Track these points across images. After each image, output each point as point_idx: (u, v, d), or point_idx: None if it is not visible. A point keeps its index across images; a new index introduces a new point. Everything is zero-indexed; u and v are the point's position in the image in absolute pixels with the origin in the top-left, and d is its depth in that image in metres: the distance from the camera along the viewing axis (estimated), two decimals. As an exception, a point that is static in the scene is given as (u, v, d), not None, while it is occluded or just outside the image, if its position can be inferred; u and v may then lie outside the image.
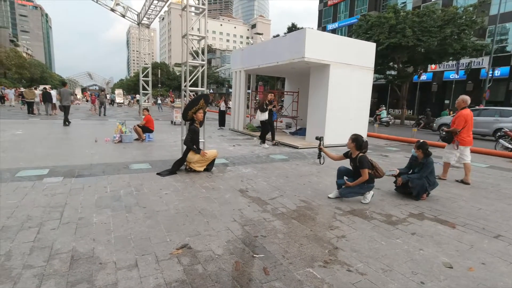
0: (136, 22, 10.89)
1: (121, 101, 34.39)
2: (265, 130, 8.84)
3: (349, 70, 9.08)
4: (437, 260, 2.64)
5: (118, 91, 36.76)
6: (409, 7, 30.55)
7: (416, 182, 4.35)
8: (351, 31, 29.91)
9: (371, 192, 4.17)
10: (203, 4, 5.62)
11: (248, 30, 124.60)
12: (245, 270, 2.36)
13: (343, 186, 4.17)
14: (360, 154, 4.09)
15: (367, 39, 21.49)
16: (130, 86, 71.97)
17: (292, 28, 47.86)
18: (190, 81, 5.63)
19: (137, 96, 33.55)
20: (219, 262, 2.46)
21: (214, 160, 5.52)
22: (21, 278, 2.13)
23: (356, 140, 4.12)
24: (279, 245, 2.81)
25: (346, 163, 4.44)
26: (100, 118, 16.26)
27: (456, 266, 2.57)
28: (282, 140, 9.59)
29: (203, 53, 5.99)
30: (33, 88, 19.35)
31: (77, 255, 2.46)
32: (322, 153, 4.54)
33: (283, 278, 2.28)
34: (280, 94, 15.25)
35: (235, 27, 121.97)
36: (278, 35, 49.62)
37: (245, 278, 2.26)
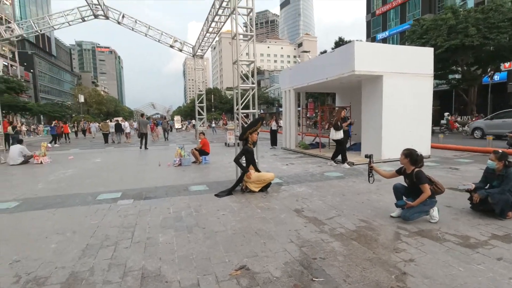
0: (191, 54, 11.92)
1: (180, 127, 37.21)
2: (342, 149, 8.14)
3: (404, 79, 8.55)
4: (534, 292, 2.24)
5: (177, 118, 39.94)
6: (470, 4, 27.91)
7: (498, 197, 3.79)
8: (404, 38, 28.33)
9: (436, 209, 3.76)
10: (251, 31, 5.94)
11: (294, 49, 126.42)
12: (305, 294, 2.30)
13: (404, 207, 3.82)
14: (416, 169, 3.78)
15: (423, 44, 20.11)
16: (187, 112, 77.60)
17: (339, 43, 47.12)
18: (242, 103, 5.89)
19: (193, 121, 36.01)
20: (278, 284, 2.44)
21: (270, 182, 5.58)
22: (102, 292, 2.39)
23: (410, 154, 3.82)
24: (339, 268, 2.68)
25: (399, 180, 4.10)
26: (164, 143, 17.80)
27: (561, 300, 2.14)
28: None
29: (252, 76, 6.27)
30: (107, 121, 22.41)
31: (146, 273, 2.67)
32: (373, 171, 4.27)
33: (346, 304, 2.16)
34: (331, 109, 14.96)
35: (281, 48, 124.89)
36: (325, 51, 49.28)
37: (305, 303, 2.19)
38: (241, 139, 5.59)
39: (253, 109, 6.07)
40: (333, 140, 8.29)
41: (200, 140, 9.60)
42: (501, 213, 3.78)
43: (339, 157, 8.27)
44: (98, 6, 9.35)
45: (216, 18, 8.48)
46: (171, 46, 11.55)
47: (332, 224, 3.77)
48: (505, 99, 24.90)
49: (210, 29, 9.43)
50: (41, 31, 9.85)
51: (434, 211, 3.77)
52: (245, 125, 5.79)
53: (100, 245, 3.29)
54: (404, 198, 3.93)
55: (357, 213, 4.18)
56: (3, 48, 49.65)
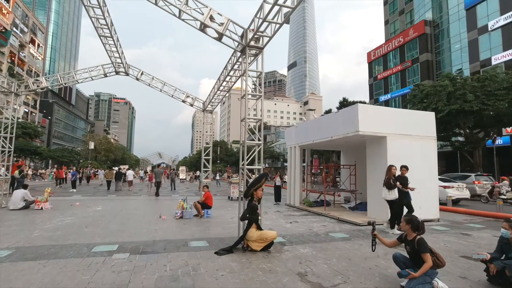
0: (202, 109, 12.51)
1: (184, 177, 37.22)
2: (398, 211, 7.06)
3: (408, 141, 8.71)
4: None
5: (182, 168, 40.14)
6: (466, 73, 29.68)
7: None
8: (405, 101, 29.60)
9: (438, 280, 3.52)
10: (260, 91, 6.32)
11: (300, 106, 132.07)
12: None
13: (406, 278, 3.59)
14: (418, 236, 3.65)
15: (424, 108, 20.93)
16: (192, 163, 78.41)
17: (344, 102, 49.38)
18: (248, 159, 5.98)
19: (198, 172, 36.16)
20: None
21: (272, 241, 5.37)
22: None
23: (411, 221, 3.74)
24: None
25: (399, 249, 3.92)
26: (170, 192, 17.65)
27: None
28: (342, 216, 9.02)
29: (259, 132, 6.49)
30: (112, 169, 22.96)
31: None
32: (375, 239, 4.11)
33: None
34: (336, 167, 14.99)
35: (288, 105, 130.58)
36: (330, 110, 51.41)
37: None
38: (246, 197, 5.54)
39: (258, 165, 6.13)
40: (386, 200, 7.27)
41: (203, 193, 9.52)
42: None
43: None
44: (121, 64, 10.20)
45: (227, 78, 9.10)
46: (183, 101, 12.22)
47: (337, 293, 3.51)
48: (511, 160, 24.79)
49: (221, 87, 10.06)
50: (65, 84, 10.63)
51: (439, 283, 3.52)
52: (249, 182, 5.79)
53: (88, 305, 3.07)
54: (407, 270, 3.71)
55: (364, 280, 3.91)
56: (27, 97, 53.00)
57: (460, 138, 23.72)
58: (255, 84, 6.56)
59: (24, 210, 9.57)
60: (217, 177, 30.36)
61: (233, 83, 9.53)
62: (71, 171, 24.82)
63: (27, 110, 55.55)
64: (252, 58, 6.37)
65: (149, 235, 6.38)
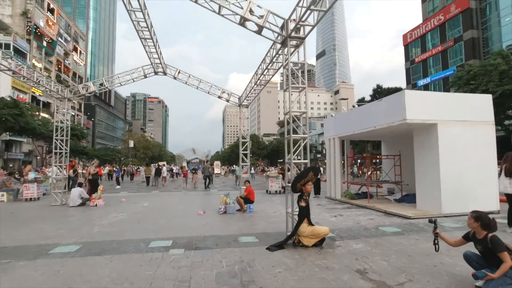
0: (238, 104, 12.57)
1: (219, 172, 38.05)
2: None
3: (462, 127, 8.05)
4: None
5: (216, 163, 41.03)
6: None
7: None
8: (448, 84, 27.46)
9: None
10: (303, 83, 6.15)
11: (331, 96, 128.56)
12: None
13: (483, 280, 3.28)
14: (490, 234, 3.33)
15: (472, 91, 19.30)
16: (225, 158, 79.86)
17: (378, 90, 47.08)
18: (294, 153, 5.87)
19: (235, 166, 36.69)
20: None
21: (324, 237, 5.26)
22: None
23: (480, 218, 3.40)
24: None
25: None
26: (204, 190, 18.11)
27: None
28: (388, 209, 8.63)
29: (304, 126, 6.34)
30: (151, 166, 24.09)
31: (209, 338, 2.48)
32: (438, 238, 3.80)
33: None
34: (372, 157, 14.37)
35: (318, 95, 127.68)
36: (363, 98, 49.34)
37: None
38: (294, 191, 5.45)
39: (305, 160, 5.99)
40: (506, 194, 6.21)
41: (245, 188, 9.60)
42: None
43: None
44: (159, 65, 10.51)
45: (265, 71, 9.01)
46: (219, 97, 12.35)
47: (405, 292, 3.32)
48: None
49: (258, 81, 9.99)
50: (110, 87, 11.24)
51: None
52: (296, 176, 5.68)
53: (158, 300, 3.20)
54: (483, 270, 3.39)
55: (432, 279, 3.67)
56: (74, 101, 57.20)
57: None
58: (295, 76, 6.38)
59: (81, 207, 10.34)
60: (252, 171, 30.58)
61: (271, 76, 9.40)
62: (115, 169, 26.42)
63: (73, 114, 60.00)
64: (293, 49, 6.19)
65: (198, 231, 6.55)
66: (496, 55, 20.58)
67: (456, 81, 22.93)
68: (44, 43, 49.75)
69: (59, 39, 55.56)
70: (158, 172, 21.48)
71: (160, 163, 30.91)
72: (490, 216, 3.48)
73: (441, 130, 7.84)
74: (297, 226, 5.18)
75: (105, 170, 33.34)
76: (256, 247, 5.20)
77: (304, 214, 5.23)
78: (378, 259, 4.46)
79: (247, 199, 9.20)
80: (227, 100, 12.60)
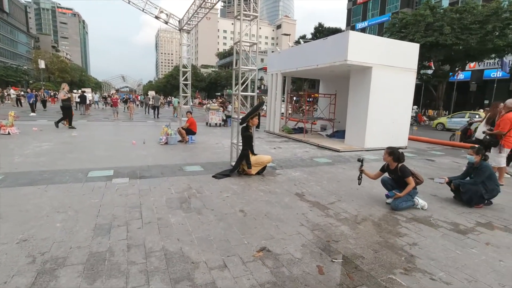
0: (178, 28, 11.32)
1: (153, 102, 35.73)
2: None
3: (391, 72, 8.90)
4: (522, 273, 2.59)
5: (150, 93, 38.15)
6: (445, 3, 29.14)
7: (467, 187, 4.25)
8: (383, 30, 29.06)
9: (418, 198, 4.16)
10: (255, 11, 5.78)
11: (273, 30, 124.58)
12: (330, 274, 2.46)
13: (392, 198, 4.14)
14: (400, 164, 4.10)
15: (401, 38, 20.83)
16: (160, 88, 74.52)
17: (319, 28, 47.24)
18: (242, 85, 5.81)
19: (170, 97, 34.85)
20: (302, 265, 2.58)
21: (266, 166, 5.67)
22: (129, 273, 2.36)
23: (393, 153, 4.12)
24: (353, 250, 2.88)
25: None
26: (145, 118, 17.07)
27: (544, 279, 2.50)
28: (321, 143, 9.59)
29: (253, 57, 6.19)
30: (73, 92, 21.44)
31: (169, 254, 2.67)
32: (362, 174, 4.48)
33: (369, 283, 2.35)
34: (308, 95, 15.13)
35: (260, 28, 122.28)
36: (304, 36, 49.20)
37: (332, 282, 2.35)
38: (242, 124, 5.56)
39: (252, 93, 6.01)
40: (476, 139, 6.31)
41: (187, 119, 9.37)
42: (468, 201, 4.24)
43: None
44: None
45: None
46: (157, 17, 10.85)
47: (335, 209, 3.98)
48: (467, 96, 26.90)
49: (203, 4, 8.98)
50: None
51: (420, 200, 4.13)
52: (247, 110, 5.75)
53: (110, 225, 3.20)
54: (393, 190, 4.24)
55: (355, 199, 4.44)
56: None
57: (429, 71, 24.65)
58: (248, 3, 5.93)
59: (-11, 135, 8.85)
60: (190, 103, 29.52)
61: (218, -1, 8.51)
62: (27, 93, 22.50)
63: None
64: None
65: (141, 161, 6.38)
66: (425, 5, 22.10)
67: (390, 28, 24.37)
68: None
69: None
70: (83, 99, 19.33)
71: (86, 90, 27.47)
72: (400, 150, 4.20)
73: (374, 73, 8.54)
74: (244, 155, 5.44)
75: (11, 93, 28.24)
76: (203, 175, 5.39)
77: (251, 144, 5.48)
78: (313, 185, 5.12)
79: (189, 130, 9.09)
80: (166, 22, 11.20)
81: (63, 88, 11.14)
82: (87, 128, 11.89)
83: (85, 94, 20.42)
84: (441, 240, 3.17)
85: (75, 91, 29.21)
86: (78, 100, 19.71)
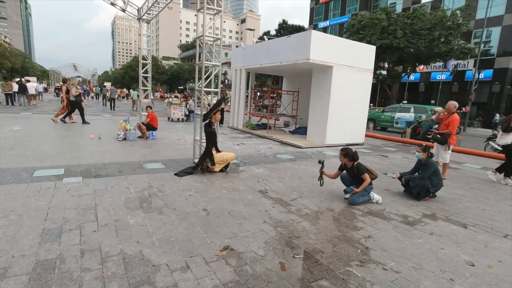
0: (136, 17, 10.69)
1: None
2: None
3: (350, 72, 9.33)
4: (459, 259, 2.89)
5: (107, 84, 35.84)
6: (399, 8, 31.19)
7: (416, 181, 4.65)
8: (343, 30, 30.32)
9: (373, 193, 4.45)
10: (218, 5, 5.66)
11: (238, 24, 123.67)
12: (292, 270, 2.53)
13: (349, 193, 4.37)
14: (355, 163, 4.37)
15: (360, 40, 21.92)
16: (117, 79, 70.31)
17: (283, 25, 47.91)
18: (206, 80, 5.68)
19: (130, 90, 33.11)
20: (265, 263, 2.61)
21: (229, 163, 5.64)
22: (83, 280, 2.21)
23: (347, 154, 4.39)
24: (313, 245, 2.99)
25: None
26: (101, 111, 15.91)
27: (477, 264, 2.82)
28: (284, 139, 9.78)
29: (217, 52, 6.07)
30: (10, 81, 19.33)
31: (127, 258, 2.54)
32: (323, 176, 4.67)
33: (328, 277, 2.46)
34: (272, 92, 15.34)
35: (224, 21, 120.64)
36: (268, 32, 49.56)
37: (293, 278, 2.42)
38: (205, 120, 5.45)
39: (215, 89, 5.91)
40: (501, 146, 6.17)
41: (147, 114, 8.95)
42: (417, 195, 4.63)
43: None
44: None
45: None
46: (112, 4, 10.12)
47: (297, 205, 4.09)
48: (416, 96, 29.25)
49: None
50: None
51: (375, 195, 4.42)
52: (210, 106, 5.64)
53: (60, 230, 2.95)
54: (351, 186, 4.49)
55: (316, 195, 4.60)
56: None
57: (383, 72, 26.31)
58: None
59: None
60: (151, 97, 28.27)
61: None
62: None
63: None
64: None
65: (95, 158, 5.97)
66: (382, 10, 23.48)
67: (350, 29, 25.49)
68: None
69: None
70: (22, 89, 17.52)
71: (30, 79, 24.91)
72: (354, 148, 4.45)
73: (335, 73, 8.90)
74: (207, 152, 5.34)
75: None
76: (164, 173, 5.21)
77: (215, 140, 5.40)
78: (276, 181, 5.20)
79: (150, 126, 8.71)
80: (123, 10, 10.49)
81: (73, 84, 10.63)
82: (31, 122, 10.83)
83: (26, 83, 18.41)
84: (392, 232, 3.42)
85: (17, 79, 26.36)
86: (16, 90, 17.59)
